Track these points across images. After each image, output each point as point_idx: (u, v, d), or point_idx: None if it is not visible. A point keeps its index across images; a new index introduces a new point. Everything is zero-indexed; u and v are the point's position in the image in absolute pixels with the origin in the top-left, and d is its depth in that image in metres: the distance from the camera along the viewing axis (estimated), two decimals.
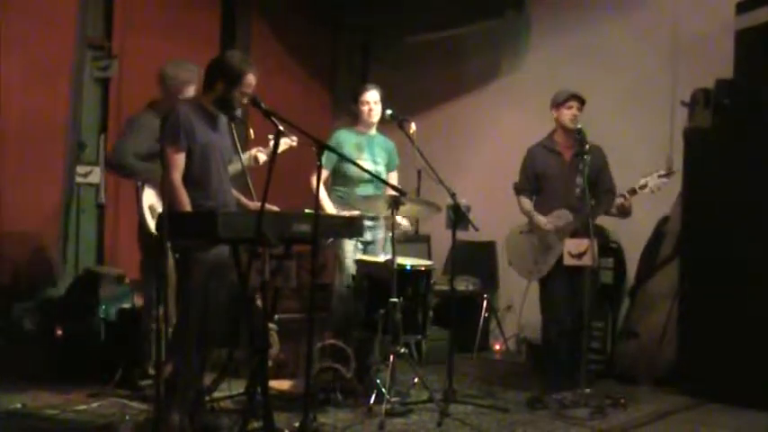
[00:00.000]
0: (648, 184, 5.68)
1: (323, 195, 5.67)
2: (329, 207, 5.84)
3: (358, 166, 5.44)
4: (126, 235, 6.84)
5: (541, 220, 5.96)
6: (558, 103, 5.98)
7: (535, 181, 6.10)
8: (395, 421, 5.10)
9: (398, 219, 5.51)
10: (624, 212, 5.88)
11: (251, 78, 4.60)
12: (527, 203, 6.10)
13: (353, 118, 6.18)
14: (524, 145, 6.19)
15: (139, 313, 5.75)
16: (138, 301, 5.96)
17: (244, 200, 4.97)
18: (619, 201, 5.79)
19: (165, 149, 4.49)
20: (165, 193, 4.51)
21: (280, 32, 8.43)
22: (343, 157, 5.48)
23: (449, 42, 8.58)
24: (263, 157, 5.54)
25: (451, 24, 8.33)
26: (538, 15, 8.09)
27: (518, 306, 7.19)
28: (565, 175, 5.98)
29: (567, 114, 5.92)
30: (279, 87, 7.24)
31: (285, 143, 5.48)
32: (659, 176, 5.68)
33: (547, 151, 6.09)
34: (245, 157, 5.44)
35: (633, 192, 5.72)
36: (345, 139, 6.05)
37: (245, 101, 4.58)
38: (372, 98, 6.03)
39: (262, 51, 7.80)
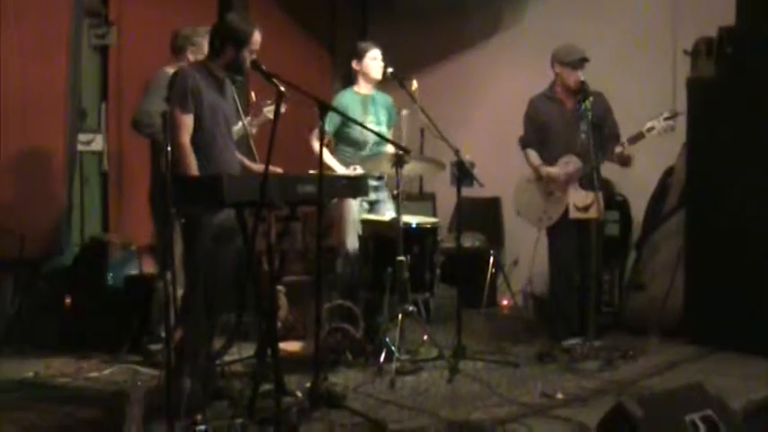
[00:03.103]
0: (656, 127, 5.63)
1: (327, 155, 5.63)
2: (335, 165, 5.81)
3: (366, 127, 5.42)
4: (130, 202, 6.87)
5: (552, 171, 5.94)
6: (564, 63, 5.90)
7: (540, 131, 6.07)
8: (405, 379, 5.13)
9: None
10: (624, 161, 5.84)
11: (257, 37, 4.56)
12: (535, 157, 6.06)
13: (349, 79, 6.11)
14: (527, 98, 6.15)
15: (150, 279, 5.76)
16: (147, 267, 5.97)
17: (247, 162, 4.94)
18: (618, 149, 5.75)
19: (173, 111, 4.44)
20: (173, 155, 4.46)
21: None
22: (353, 121, 5.45)
23: None
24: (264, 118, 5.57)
25: None
26: None
27: (526, 260, 7.18)
28: (568, 123, 5.95)
29: (574, 76, 5.84)
30: (278, 49, 7.14)
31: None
32: (665, 119, 5.64)
33: (549, 100, 6.06)
34: (250, 122, 5.43)
35: (640, 136, 5.65)
36: (350, 101, 5.96)
37: (248, 63, 4.54)
38: (379, 56, 5.96)
39: (259, 14, 7.70)
